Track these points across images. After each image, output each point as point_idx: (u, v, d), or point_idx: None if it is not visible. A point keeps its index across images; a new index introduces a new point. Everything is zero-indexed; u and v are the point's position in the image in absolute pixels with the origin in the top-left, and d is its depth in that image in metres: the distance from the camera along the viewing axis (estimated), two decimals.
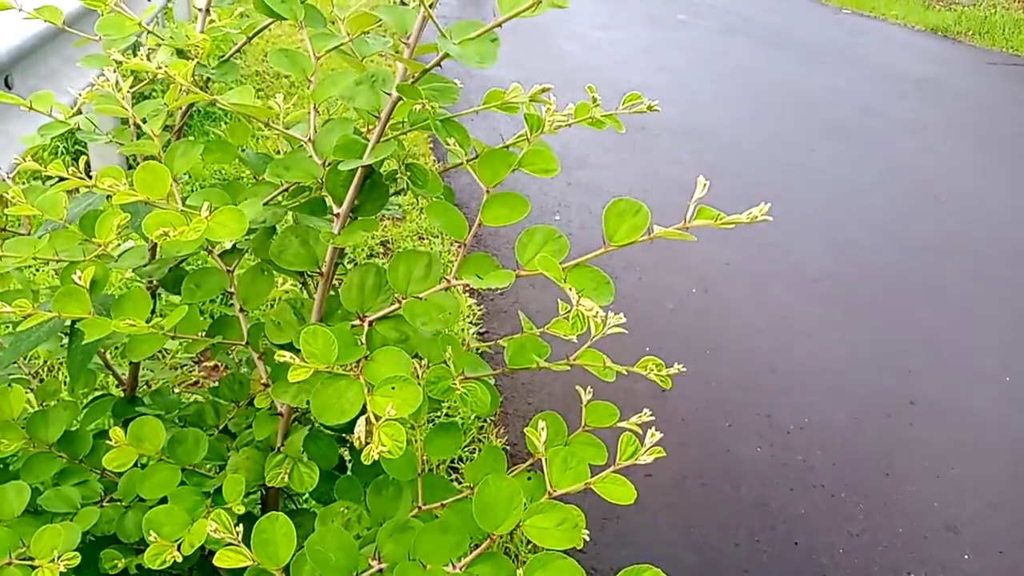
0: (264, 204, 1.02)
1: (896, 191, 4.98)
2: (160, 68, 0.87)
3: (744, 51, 8.54)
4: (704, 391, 2.92)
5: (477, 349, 1.09)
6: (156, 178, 0.89)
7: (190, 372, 2.57)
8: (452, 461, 2.34)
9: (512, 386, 2.76)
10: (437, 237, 3.83)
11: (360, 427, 0.70)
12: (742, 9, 10.87)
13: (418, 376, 0.92)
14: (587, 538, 0.75)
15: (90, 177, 1.04)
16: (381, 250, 3.68)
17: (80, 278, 0.94)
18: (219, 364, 2.41)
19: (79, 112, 1.22)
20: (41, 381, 2.47)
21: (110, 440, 0.94)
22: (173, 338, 0.97)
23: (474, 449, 2.45)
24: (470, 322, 3.16)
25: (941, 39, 9.79)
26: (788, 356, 3.17)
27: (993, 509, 2.45)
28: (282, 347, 0.96)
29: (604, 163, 5.04)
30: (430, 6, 0.72)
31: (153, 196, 0.89)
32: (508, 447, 2.49)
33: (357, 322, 0.86)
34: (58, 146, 3.69)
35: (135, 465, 1.01)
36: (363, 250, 3.60)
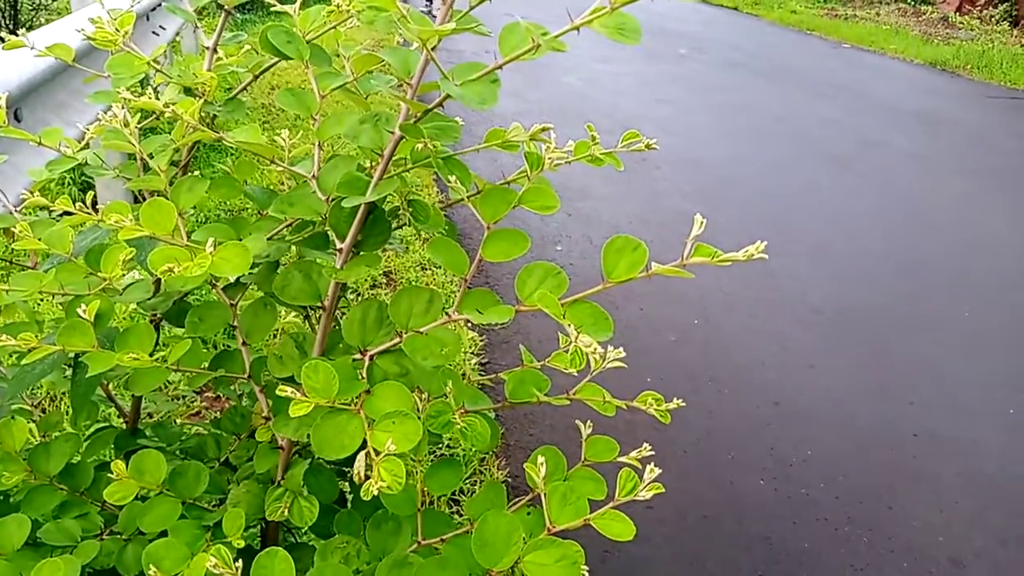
0: (268, 239, 1.03)
1: (897, 223, 5.00)
2: (167, 107, 0.89)
3: (745, 84, 8.62)
4: (706, 423, 2.92)
5: (478, 383, 1.09)
6: (162, 214, 0.91)
7: (192, 402, 2.58)
8: (453, 493, 2.33)
9: (514, 417, 2.75)
10: (440, 268, 3.84)
11: (360, 462, 0.70)
12: (743, 43, 11.01)
13: (419, 410, 0.93)
14: (587, 573, 0.75)
15: (96, 210, 1.06)
16: (384, 280, 3.70)
17: (85, 312, 0.95)
18: (221, 395, 2.41)
19: (87, 146, 1.24)
20: (44, 412, 2.47)
21: (111, 473, 0.94)
22: (176, 371, 0.97)
23: (475, 481, 2.44)
24: (472, 353, 3.16)
25: (940, 73, 9.89)
26: (790, 388, 3.17)
27: (999, 543, 2.43)
28: (284, 380, 0.97)
29: (605, 194, 5.07)
30: (432, 49, 0.74)
31: (159, 232, 0.90)
32: (510, 478, 2.48)
33: (358, 356, 0.86)
34: (66, 177, 3.72)
35: (136, 498, 1.01)
36: (366, 280, 3.61)
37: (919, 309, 3.90)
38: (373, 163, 0.94)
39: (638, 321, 3.54)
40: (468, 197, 0.96)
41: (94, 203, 1.19)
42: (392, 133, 0.86)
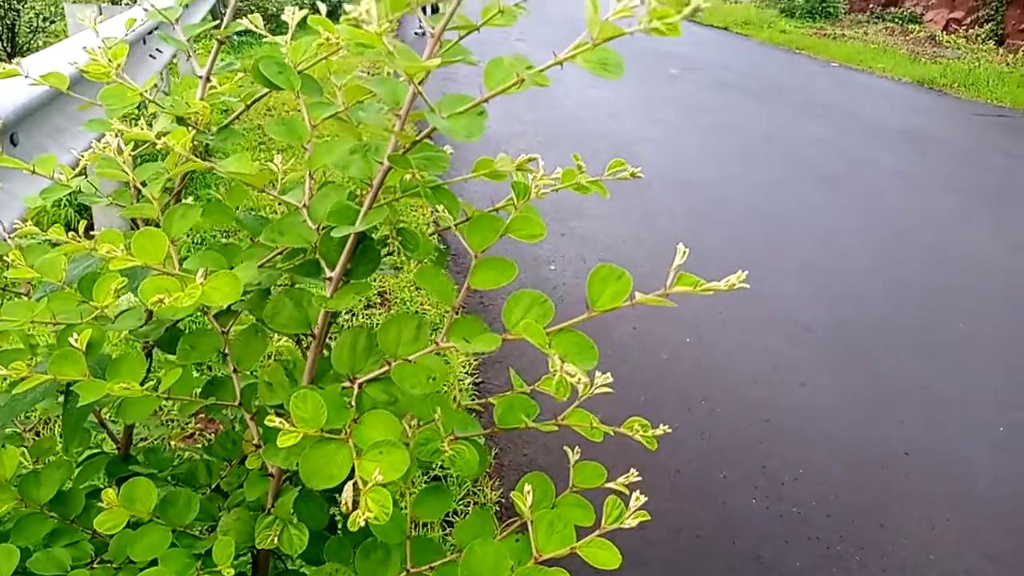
0: (259, 266, 1.04)
1: (886, 241, 5.04)
2: (160, 139, 0.91)
3: (736, 104, 8.70)
4: (698, 442, 2.92)
5: (468, 409, 1.10)
6: (154, 243, 0.92)
7: (186, 424, 2.57)
8: (446, 515, 2.33)
9: (507, 438, 2.76)
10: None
11: (347, 492, 0.71)
12: (733, 63, 11.12)
13: (408, 436, 0.94)
14: None
15: (92, 236, 1.07)
16: (379, 300, 3.70)
17: (76, 341, 0.96)
18: (213, 418, 2.41)
19: (83, 172, 1.25)
20: (38, 435, 2.46)
21: (102, 502, 0.94)
22: (167, 399, 0.98)
23: (469, 502, 2.44)
24: (465, 372, 3.16)
25: (928, 91, 10.00)
26: (782, 406, 3.18)
27: (990, 561, 2.44)
28: (274, 408, 0.97)
29: (598, 214, 5.10)
30: (419, 83, 0.76)
31: (150, 261, 0.91)
32: (503, 499, 2.48)
33: (348, 384, 0.87)
34: (63, 199, 3.73)
35: (127, 525, 1.01)
36: (361, 301, 3.62)
37: (908, 327, 3.92)
38: (364, 191, 0.95)
39: (631, 339, 3.55)
40: (456, 225, 0.97)
41: (90, 227, 1.21)
42: (381, 163, 0.88)
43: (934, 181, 6.37)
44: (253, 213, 1.16)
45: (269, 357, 2.20)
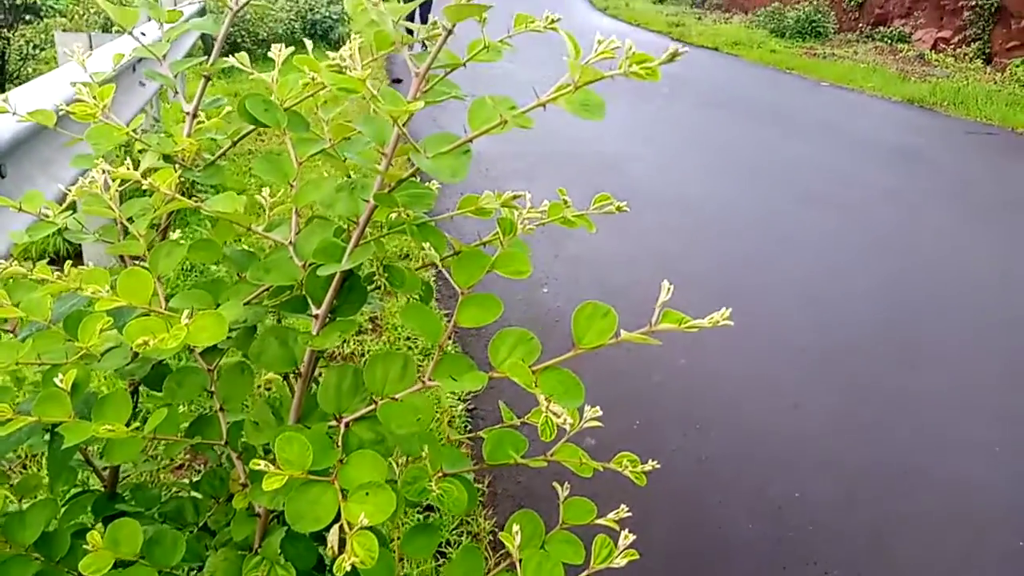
0: (246, 303, 1.04)
1: (878, 259, 5.06)
2: (145, 179, 0.91)
3: (727, 123, 8.76)
4: (694, 466, 2.91)
5: (458, 443, 1.10)
6: (139, 283, 0.92)
7: (176, 454, 2.55)
8: (440, 545, 2.31)
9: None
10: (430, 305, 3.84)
11: (333, 536, 0.70)
12: (724, 83, 11.22)
13: (396, 475, 0.93)
14: None
15: (82, 260, 1.07)
16: (370, 326, 3.70)
17: (61, 381, 0.95)
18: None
19: (71, 206, 1.24)
20: (25, 467, 2.43)
21: (87, 544, 0.93)
22: (153, 439, 0.97)
23: (463, 532, 2.42)
24: (458, 398, 3.15)
25: (918, 110, 10.09)
26: (777, 428, 3.17)
27: None
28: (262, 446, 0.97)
29: (591, 235, 5.10)
30: (403, 124, 0.76)
31: (136, 301, 0.91)
32: (497, 528, 2.46)
33: (334, 423, 0.87)
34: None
35: (113, 566, 1.00)
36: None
37: (903, 346, 3.92)
38: (351, 226, 0.95)
39: (624, 361, 3.54)
40: (443, 259, 0.97)
41: (80, 255, 1.20)
42: (367, 201, 0.88)
43: (926, 200, 6.41)
44: (240, 248, 1.16)
45: (260, 388, 2.19)
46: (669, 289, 0.74)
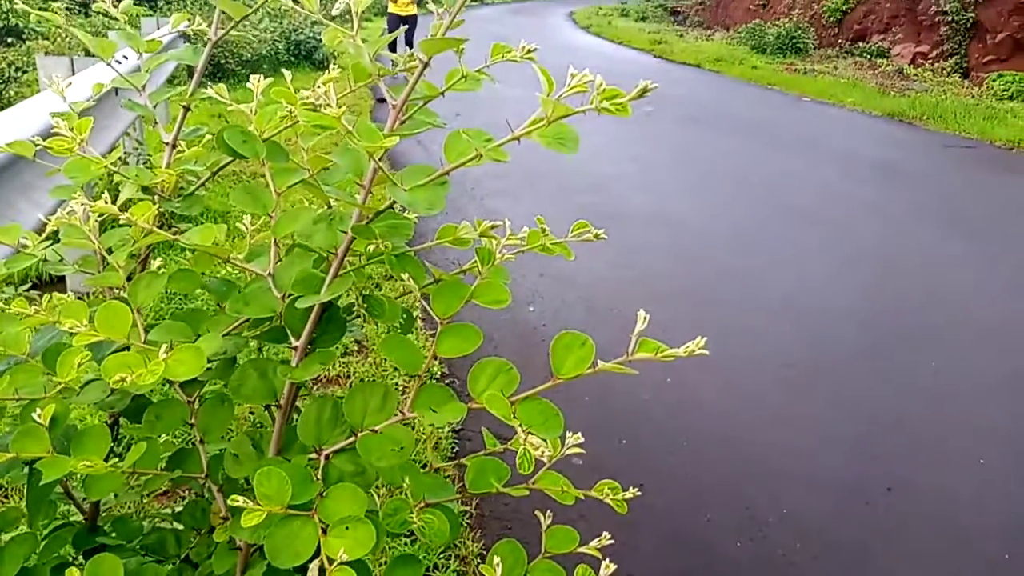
0: (225, 334, 1.04)
1: (861, 274, 5.10)
2: (124, 212, 0.91)
3: (710, 140, 8.84)
4: (683, 484, 2.91)
5: (439, 470, 1.09)
6: (117, 317, 0.91)
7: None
8: (427, 569, 2.30)
9: None
10: (410, 335, 3.84)
11: (313, 571, 0.70)
12: (707, 100, 11.32)
13: (377, 505, 0.93)
14: None
15: (64, 284, 1.06)
16: (356, 348, 3.68)
17: (40, 416, 0.94)
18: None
19: (51, 237, 1.24)
20: (6, 497, 2.40)
21: None
22: (132, 473, 0.97)
23: (450, 555, 2.41)
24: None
25: (898, 124, 10.21)
26: (764, 445, 3.18)
27: None
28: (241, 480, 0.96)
29: (577, 253, 5.11)
30: (380, 158, 0.77)
31: (114, 336, 0.91)
32: (484, 551, 2.45)
33: (314, 455, 0.87)
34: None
35: None
36: (338, 347, 3.60)
37: (887, 360, 3.95)
38: (330, 257, 0.95)
39: (612, 379, 3.53)
40: (423, 288, 0.98)
41: (62, 277, 1.19)
42: (346, 233, 0.88)
43: (908, 213, 6.47)
44: (221, 277, 1.16)
45: (246, 413, 2.17)
46: (645, 318, 0.75)
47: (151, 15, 16.57)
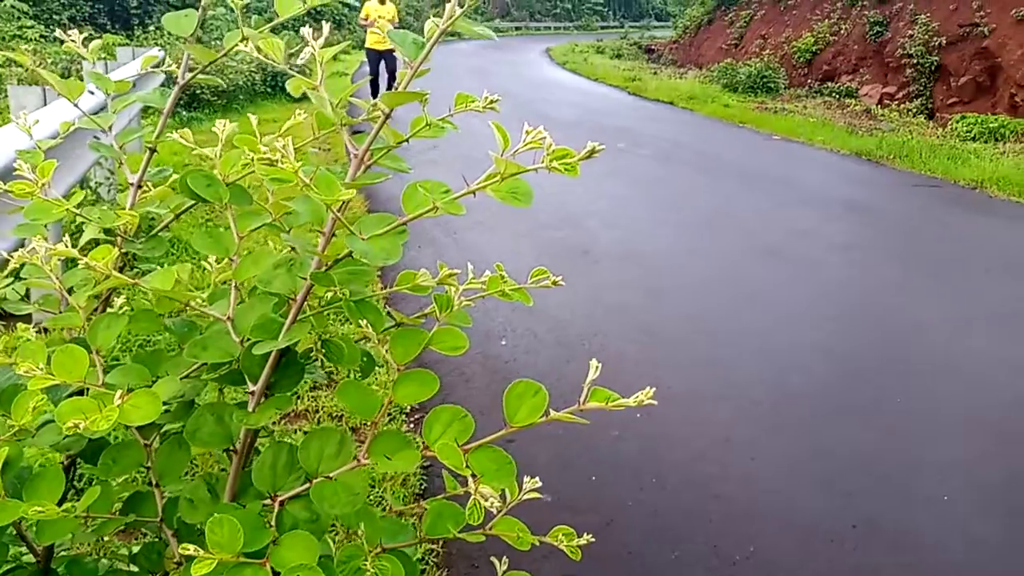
0: (184, 377, 1.04)
1: (830, 312, 5.18)
2: (82, 258, 0.91)
3: (682, 177, 8.97)
4: (651, 520, 2.91)
5: (401, 513, 1.09)
6: (74, 361, 0.91)
7: None
8: None
9: None
10: (382, 367, 3.83)
11: None
12: (679, 137, 11.51)
13: (333, 550, 0.93)
14: None
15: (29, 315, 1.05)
16: (325, 381, 3.66)
17: None
18: None
19: (13, 273, 1.23)
20: None
21: None
22: (86, 519, 0.96)
23: None
24: None
25: (866, 163, 10.44)
26: (732, 481, 3.19)
27: None
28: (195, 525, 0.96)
29: (549, 288, 5.15)
30: (339, 210, 0.78)
31: (70, 380, 0.91)
32: None
33: (269, 501, 0.87)
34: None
35: None
36: (307, 382, 3.58)
37: (854, 397, 4.00)
38: (290, 302, 0.96)
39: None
40: (381, 332, 0.99)
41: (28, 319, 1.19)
42: (305, 279, 0.89)
43: (875, 251, 6.60)
44: (182, 318, 1.16)
45: (208, 454, 2.14)
46: (597, 367, 0.76)
47: (127, 44, 16.54)
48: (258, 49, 0.93)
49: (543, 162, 0.68)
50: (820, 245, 6.58)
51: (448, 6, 0.94)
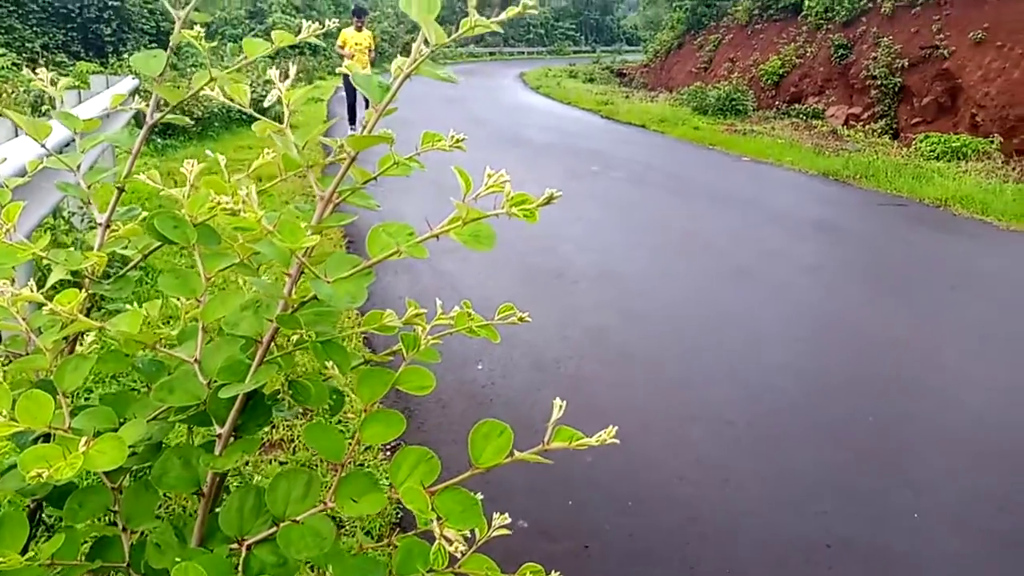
0: (152, 419, 1.03)
1: (800, 332, 5.24)
2: (48, 303, 0.91)
3: (654, 199, 9.07)
4: (627, 545, 2.92)
5: (371, 551, 1.09)
6: (39, 407, 0.91)
7: None
8: None
9: None
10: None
11: None
12: (651, 160, 11.64)
13: None
14: None
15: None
16: (300, 410, 3.63)
17: None
18: None
19: None
20: None
21: None
22: (50, 565, 0.95)
23: None
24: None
25: (833, 183, 10.62)
26: (707, 503, 3.21)
27: None
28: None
29: (525, 312, 5.17)
30: (305, 255, 0.79)
31: (35, 426, 0.90)
32: None
33: (236, 545, 0.87)
34: None
35: None
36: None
37: (826, 417, 4.05)
38: (257, 343, 0.97)
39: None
40: (349, 372, 0.99)
41: None
42: (271, 321, 0.90)
43: (843, 270, 6.70)
44: (150, 358, 1.16)
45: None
46: (561, 407, 0.77)
47: (102, 71, 16.37)
48: (224, 92, 0.94)
49: (504, 208, 0.70)
50: (790, 265, 6.67)
51: (414, 46, 0.96)
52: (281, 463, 3.23)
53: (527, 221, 0.68)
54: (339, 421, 3.54)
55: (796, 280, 6.30)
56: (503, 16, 0.87)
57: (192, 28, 1.17)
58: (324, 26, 1.15)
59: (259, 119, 0.94)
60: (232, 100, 0.96)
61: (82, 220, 5.83)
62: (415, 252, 0.78)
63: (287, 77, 1.04)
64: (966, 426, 3.99)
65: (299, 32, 1.15)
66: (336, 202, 1.01)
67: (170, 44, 1.24)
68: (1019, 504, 3.31)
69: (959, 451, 3.75)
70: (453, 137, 0.98)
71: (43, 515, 1.22)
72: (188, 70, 15.77)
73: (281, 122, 0.96)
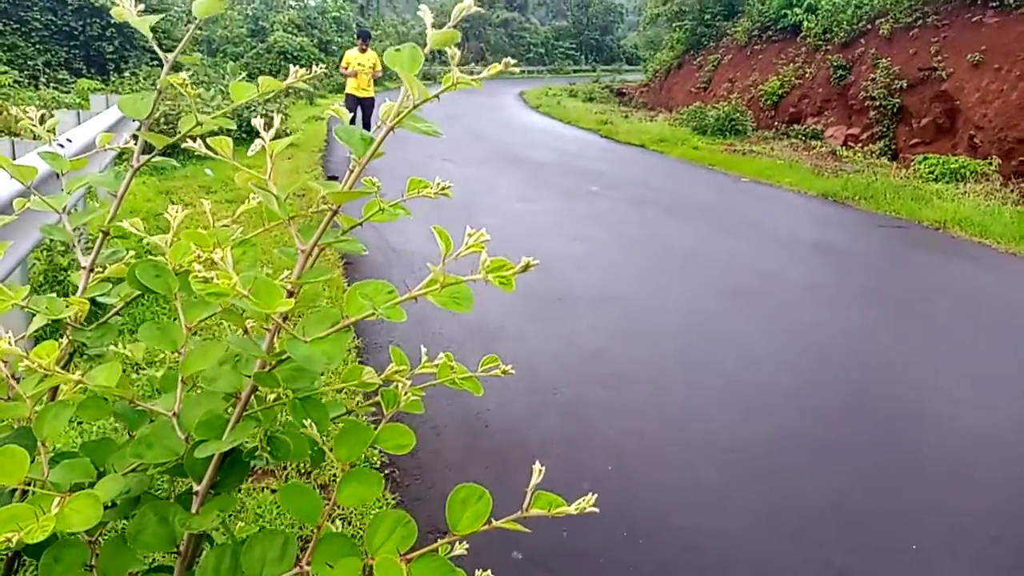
0: (131, 471, 1.02)
1: (800, 355, 5.23)
2: (24, 357, 0.90)
3: (653, 219, 9.08)
4: (623, 573, 2.88)
5: None
6: (15, 463, 0.90)
7: None
8: None
9: None
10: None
11: None
12: (650, 180, 11.67)
13: None
14: None
15: None
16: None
17: None
18: None
19: None
20: None
21: None
22: None
23: None
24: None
25: (832, 204, 10.65)
26: (706, 532, 3.18)
27: None
28: None
29: (522, 334, 5.16)
30: (283, 319, 0.78)
31: (10, 482, 0.89)
32: None
33: None
34: None
35: None
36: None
37: (825, 441, 4.02)
38: (236, 398, 0.96)
39: (552, 469, 3.51)
40: (327, 428, 0.98)
41: None
42: (250, 377, 0.89)
43: (842, 293, 6.70)
44: (131, 405, 1.15)
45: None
46: (540, 471, 0.76)
47: (102, 89, 16.44)
48: (206, 145, 0.93)
49: (480, 274, 0.69)
50: (789, 287, 6.67)
51: (399, 96, 0.96)
52: (273, 491, 3.20)
53: (505, 289, 0.67)
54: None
55: (795, 302, 6.29)
56: (485, 73, 0.87)
57: (178, 72, 1.17)
58: (311, 72, 1.14)
59: (241, 169, 0.94)
60: (217, 153, 0.95)
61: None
62: (392, 315, 0.77)
63: (271, 127, 1.04)
64: (966, 451, 3.97)
65: (288, 76, 1.15)
66: (316, 255, 1.01)
67: (157, 87, 1.24)
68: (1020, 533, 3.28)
69: (958, 477, 3.72)
70: (439, 184, 0.98)
71: (18, 566, 1.21)
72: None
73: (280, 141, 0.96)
